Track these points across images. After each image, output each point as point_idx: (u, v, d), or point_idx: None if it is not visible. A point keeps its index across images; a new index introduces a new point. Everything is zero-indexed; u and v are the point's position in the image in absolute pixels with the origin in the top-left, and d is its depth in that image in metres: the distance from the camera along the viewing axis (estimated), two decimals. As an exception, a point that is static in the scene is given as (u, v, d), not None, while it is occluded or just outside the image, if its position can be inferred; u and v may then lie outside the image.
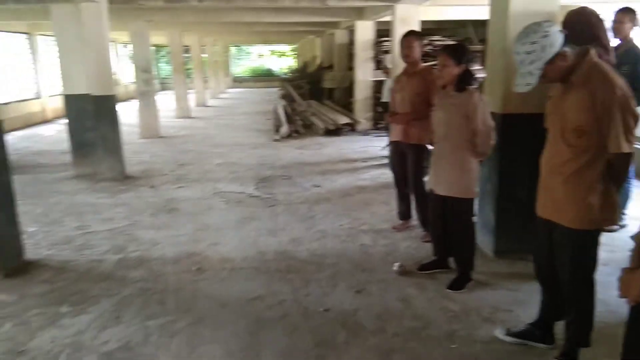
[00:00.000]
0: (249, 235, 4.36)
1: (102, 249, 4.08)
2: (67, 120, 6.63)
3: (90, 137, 6.38)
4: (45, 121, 12.98)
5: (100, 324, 2.89)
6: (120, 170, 6.49)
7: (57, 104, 13.54)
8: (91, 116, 6.25)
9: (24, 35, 12.80)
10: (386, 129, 7.66)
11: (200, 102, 16.23)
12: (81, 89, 6.23)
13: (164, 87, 23.38)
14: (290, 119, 10.70)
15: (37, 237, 4.31)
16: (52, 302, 3.18)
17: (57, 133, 11.04)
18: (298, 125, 10.35)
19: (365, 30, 9.99)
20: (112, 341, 2.70)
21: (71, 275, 3.58)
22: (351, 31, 11.70)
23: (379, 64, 9.92)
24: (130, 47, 20.76)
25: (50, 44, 14.38)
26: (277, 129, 10.17)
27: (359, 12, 9.61)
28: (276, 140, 9.44)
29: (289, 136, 9.72)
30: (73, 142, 6.58)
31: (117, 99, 6.43)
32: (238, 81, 28.21)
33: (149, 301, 3.17)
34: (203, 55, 17.52)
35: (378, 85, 9.95)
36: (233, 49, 29.85)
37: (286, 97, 14.11)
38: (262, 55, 32.54)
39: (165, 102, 14.71)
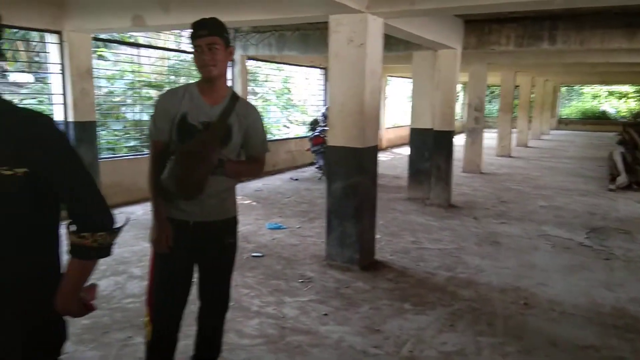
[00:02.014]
0: (579, 284, 4.17)
1: (433, 264, 4.61)
2: (409, 150, 7.65)
3: (426, 166, 7.21)
4: (381, 149, 15.10)
5: (438, 327, 3.32)
6: (446, 198, 7.09)
7: (390, 135, 15.60)
8: (430, 148, 7.08)
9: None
10: None
11: (521, 142, 15.91)
12: (426, 123, 7.13)
13: (485, 125, 23.81)
14: (630, 169, 9.42)
15: (381, 244, 5.17)
16: (397, 298, 3.81)
17: (390, 159, 12.75)
18: (641, 176, 9.03)
19: None
20: (449, 344, 3.09)
21: (410, 280, 4.19)
22: None
23: None
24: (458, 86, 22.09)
25: (389, 83, 16.72)
26: (612, 177, 9.13)
27: None
28: (611, 189, 8.49)
29: (627, 187, 8.60)
30: (411, 169, 7.54)
31: (454, 134, 7.09)
32: (563, 122, 26.24)
33: (479, 320, 3.44)
34: (531, 95, 17.10)
35: None
36: (563, 89, 27.96)
37: (626, 143, 12.43)
38: (598, 96, 29.31)
39: (486, 140, 15.06)
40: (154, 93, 9.79)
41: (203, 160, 2.13)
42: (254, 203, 7.15)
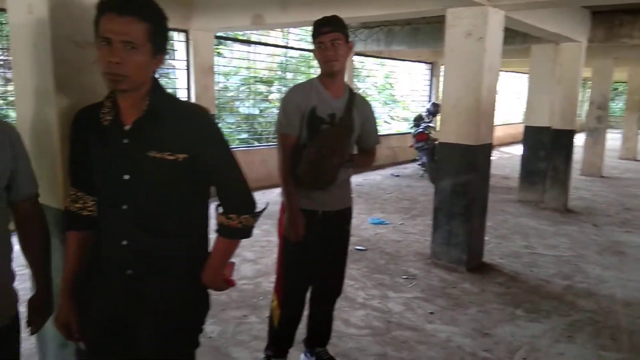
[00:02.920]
0: None
1: (549, 271, 4.34)
2: (522, 149, 7.23)
3: (541, 167, 6.78)
4: (487, 147, 14.43)
5: (554, 337, 3.14)
6: (563, 202, 6.62)
7: (498, 132, 14.84)
8: (546, 147, 6.65)
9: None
10: None
11: (649, 144, 14.31)
12: (543, 121, 6.69)
13: (608, 125, 21.77)
14: None
15: (489, 246, 4.97)
16: (508, 302, 3.66)
17: (497, 159, 12.17)
18: None
19: None
20: (567, 356, 2.91)
21: (522, 286, 4.00)
22: None
23: None
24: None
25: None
26: None
27: None
28: None
29: None
30: (523, 169, 7.12)
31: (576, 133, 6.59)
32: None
33: (600, 333, 3.20)
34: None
35: None
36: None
37: None
38: None
39: (609, 141, 13.77)
40: (264, 88, 10.28)
41: (336, 153, 2.23)
42: (356, 197, 7.22)
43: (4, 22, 5.54)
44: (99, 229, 1.48)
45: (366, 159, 2.55)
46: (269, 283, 3.86)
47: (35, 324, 1.58)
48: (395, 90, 13.22)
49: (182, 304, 1.49)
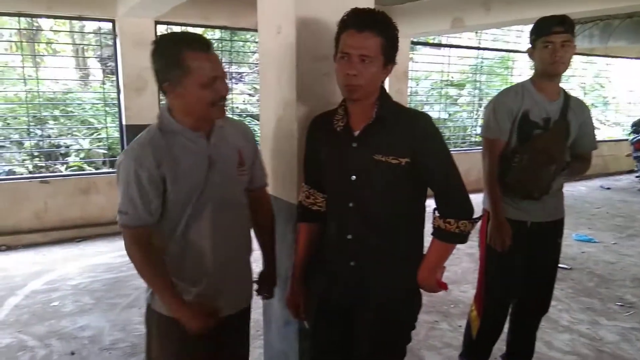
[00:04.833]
0: None
1: None
2: None
3: None
4: None
5: None
6: None
7: None
8: None
9: None
10: None
11: None
12: None
13: None
14: None
15: None
16: None
17: None
18: None
19: None
20: None
21: None
22: None
23: None
24: None
25: None
26: None
27: None
28: None
29: None
30: None
31: None
32: None
33: None
34: None
35: None
36: None
37: None
38: None
39: None
40: (453, 92, 10.05)
41: (553, 160, 2.10)
42: (557, 210, 6.58)
43: (235, 39, 6.50)
44: (327, 222, 1.64)
45: (581, 166, 2.33)
46: (459, 292, 3.79)
47: (268, 292, 1.85)
48: (607, 91, 11.67)
49: (399, 298, 1.57)
